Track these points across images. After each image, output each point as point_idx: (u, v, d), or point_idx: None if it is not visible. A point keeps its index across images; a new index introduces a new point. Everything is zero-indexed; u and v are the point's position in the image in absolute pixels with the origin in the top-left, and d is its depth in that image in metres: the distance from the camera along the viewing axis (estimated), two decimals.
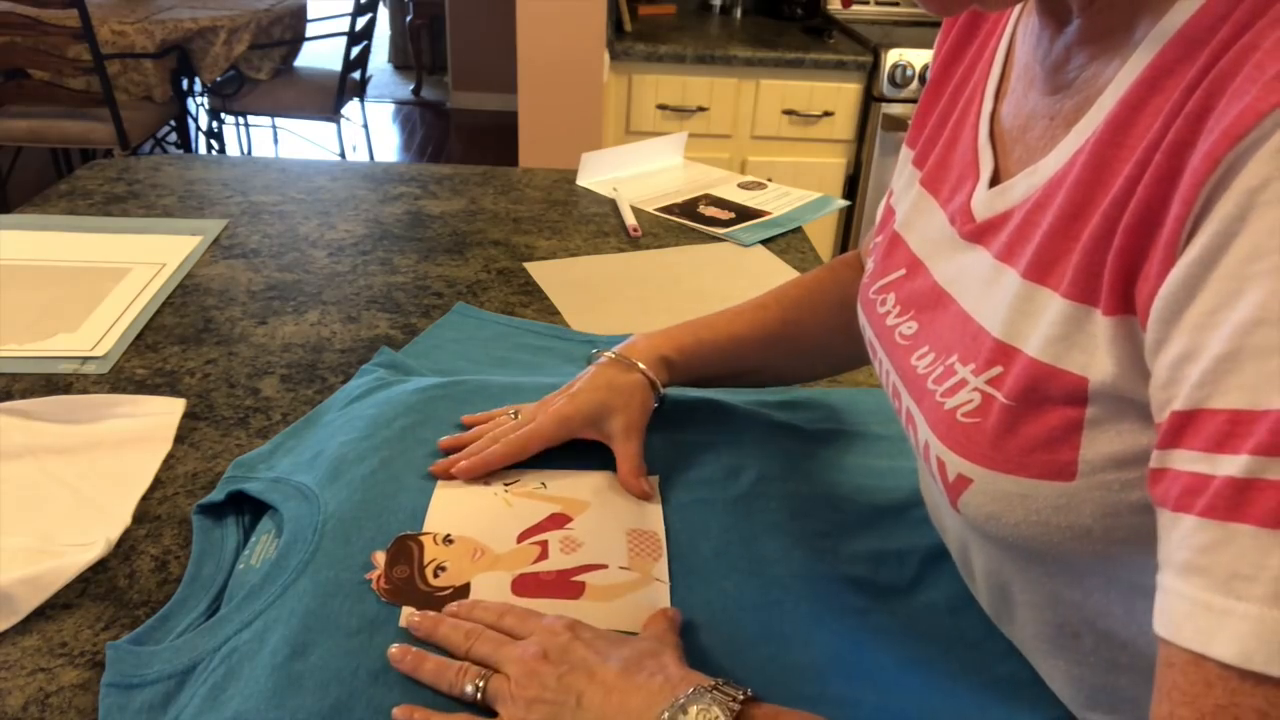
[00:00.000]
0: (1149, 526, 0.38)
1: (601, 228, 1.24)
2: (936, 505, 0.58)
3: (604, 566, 0.59)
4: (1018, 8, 0.55)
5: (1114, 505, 0.41)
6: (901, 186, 0.64)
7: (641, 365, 0.72)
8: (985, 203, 0.51)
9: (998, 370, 0.46)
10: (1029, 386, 0.43)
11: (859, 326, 0.66)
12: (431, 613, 0.55)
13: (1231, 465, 0.32)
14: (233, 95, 3.27)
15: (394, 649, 0.52)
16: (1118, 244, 0.39)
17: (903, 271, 0.59)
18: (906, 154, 0.65)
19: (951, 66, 0.61)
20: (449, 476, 0.66)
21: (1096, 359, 0.41)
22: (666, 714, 0.46)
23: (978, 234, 0.51)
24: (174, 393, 0.82)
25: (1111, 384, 0.40)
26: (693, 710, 0.45)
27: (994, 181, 0.52)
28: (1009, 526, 0.45)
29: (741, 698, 0.46)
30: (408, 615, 0.55)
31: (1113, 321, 0.40)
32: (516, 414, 0.71)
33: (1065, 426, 0.42)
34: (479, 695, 0.50)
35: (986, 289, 0.49)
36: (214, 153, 3.74)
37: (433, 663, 0.51)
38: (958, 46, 0.61)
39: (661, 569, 0.60)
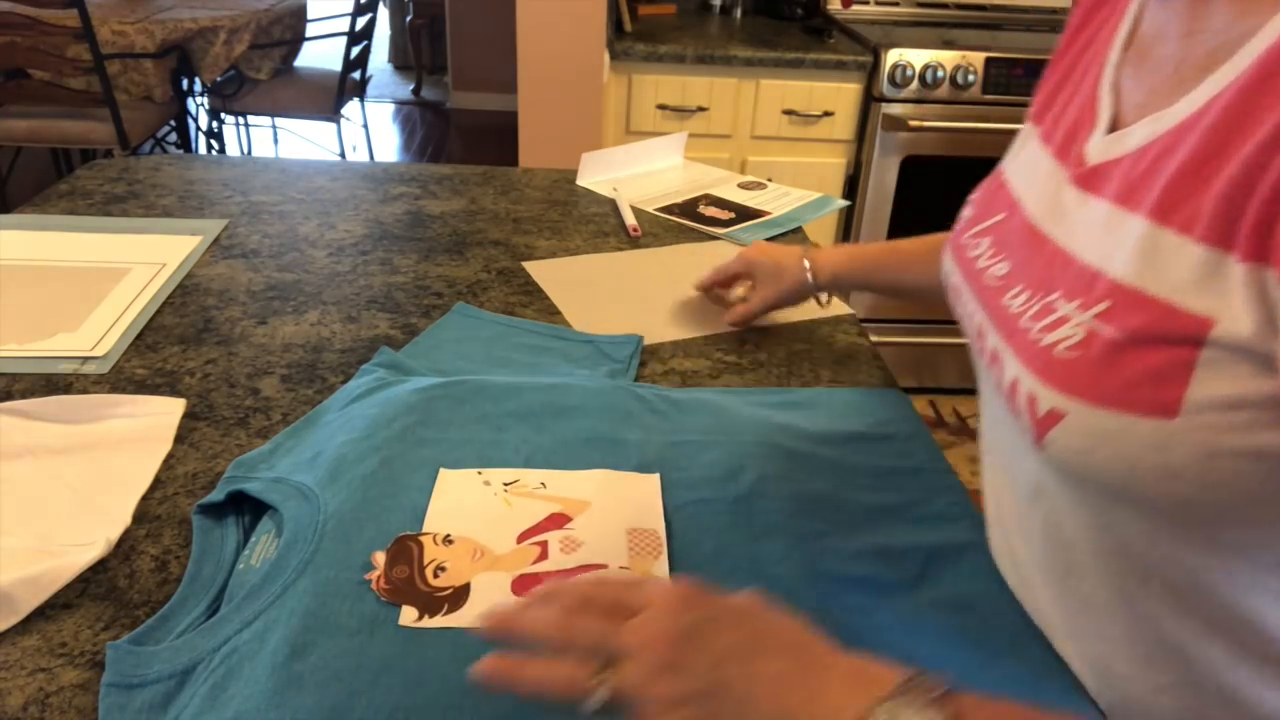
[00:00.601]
0: (1244, 473, 0.39)
1: (601, 228, 1.24)
2: (1010, 450, 0.57)
3: (604, 566, 0.59)
4: None
5: (1211, 448, 0.41)
6: (1017, 144, 0.65)
7: (808, 265, 0.93)
8: (1102, 148, 0.52)
9: (1106, 305, 0.46)
10: (1144, 325, 0.43)
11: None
12: (501, 603, 0.47)
13: None
14: (233, 95, 3.27)
15: (484, 666, 0.44)
16: (1265, 192, 0.39)
17: (1003, 215, 0.60)
18: (1027, 114, 0.66)
19: (1082, 30, 0.62)
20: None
21: (1223, 304, 0.40)
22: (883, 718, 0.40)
23: (1089, 178, 0.52)
24: (174, 393, 0.82)
25: (1235, 330, 0.40)
26: (906, 716, 0.40)
27: (1112, 129, 0.52)
28: (1096, 464, 0.45)
29: (942, 693, 0.41)
30: (408, 615, 0.55)
31: (1247, 268, 0.40)
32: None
33: (1176, 365, 0.42)
34: (609, 696, 0.41)
35: (1100, 231, 0.49)
36: (214, 153, 3.74)
37: (535, 669, 0.44)
38: (1091, 10, 0.62)
39: (662, 568, 0.60)
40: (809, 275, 0.92)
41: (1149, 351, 0.43)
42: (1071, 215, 0.52)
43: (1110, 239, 0.48)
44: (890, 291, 0.94)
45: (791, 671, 0.42)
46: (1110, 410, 0.44)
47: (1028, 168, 0.60)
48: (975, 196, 0.66)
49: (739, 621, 0.44)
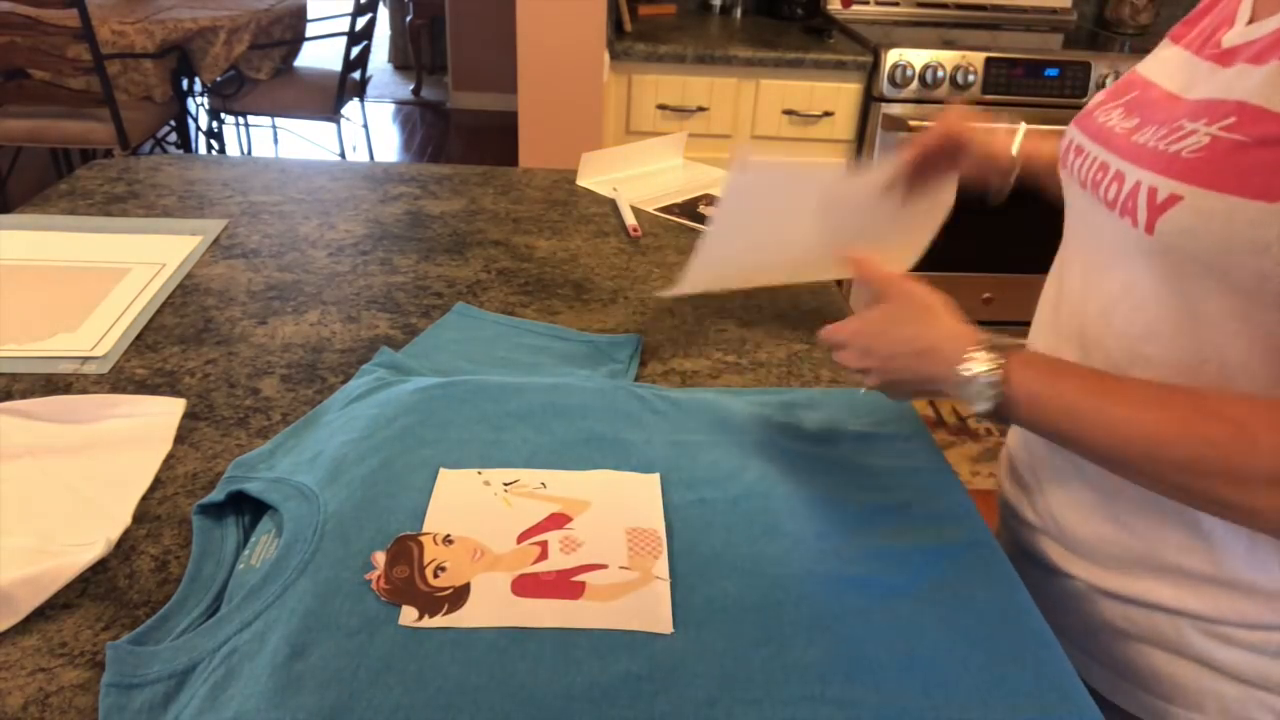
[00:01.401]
0: None
1: (601, 228, 1.24)
2: (1099, 265, 0.68)
3: (604, 566, 0.59)
4: None
5: None
6: (1151, 56, 0.73)
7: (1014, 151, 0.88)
8: (1238, 35, 0.61)
9: (1231, 120, 0.56)
10: (1267, 131, 0.54)
11: None
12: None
13: None
14: (233, 95, 3.27)
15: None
16: None
17: (1135, 93, 0.69)
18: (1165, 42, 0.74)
19: None
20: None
21: None
22: (959, 369, 0.62)
23: (1224, 55, 0.62)
24: (174, 393, 0.82)
25: None
26: (975, 369, 0.61)
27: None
28: (1201, 238, 0.56)
29: (1007, 347, 0.62)
30: (408, 615, 0.55)
31: None
32: None
33: None
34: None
35: (1230, 81, 0.59)
36: (214, 153, 3.74)
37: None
38: None
39: (662, 568, 0.60)
40: (1012, 164, 0.87)
41: (1266, 150, 0.54)
42: (1204, 80, 0.62)
43: (1239, 83, 0.58)
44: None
45: (930, 350, 0.65)
46: (1222, 193, 0.55)
47: (1158, 62, 0.69)
48: (1104, 91, 0.74)
49: (909, 319, 0.66)
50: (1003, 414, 0.62)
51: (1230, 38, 0.62)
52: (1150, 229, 0.59)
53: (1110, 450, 0.58)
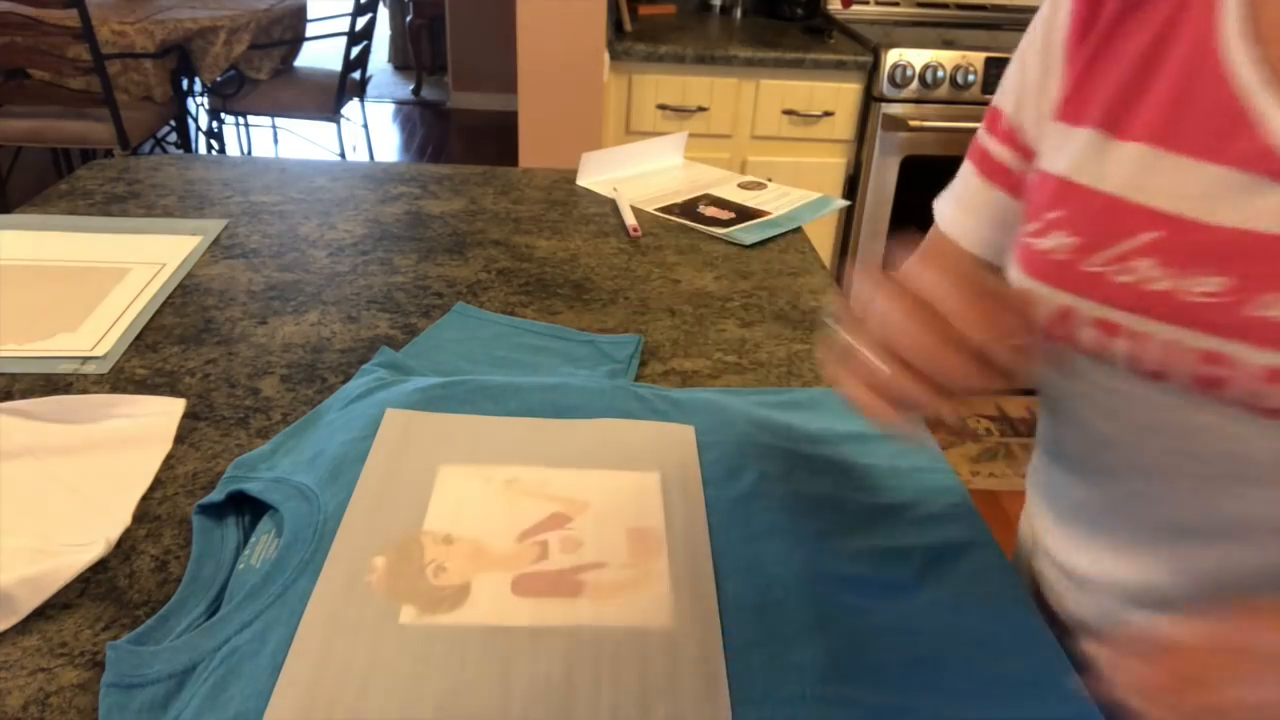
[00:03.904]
0: None
1: (601, 228, 1.24)
2: (1222, 463, 0.53)
3: (604, 566, 0.59)
4: None
5: None
6: (1083, 153, 0.58)
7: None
8: None
9: None
10: None
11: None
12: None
13: None
14: (233, 95, 3.27)
15: None
16: None
17: (1156, 234, 0.53)
18: (1068, 129, 0.59)
19: (1135, 32, 0.57)
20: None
21: None
22: None
23: None
24: (174, 393, 0.82)
25: None
26: None
27: None
28: None
29: None
30: (408, 615, 0.55)
31: None
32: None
33: None
34: None
35: None
36: (214, 153, 3.74)
37: None
38: (1128, 9, 0.57)
39: (662, 567, 0.60)
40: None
41: None
42: None
43: None
44: None
45: None
46: None
47: (1162, 180, 0.54)
48: (1061, 216, 0.58)
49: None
50: None
51: None
52: None
53: None
